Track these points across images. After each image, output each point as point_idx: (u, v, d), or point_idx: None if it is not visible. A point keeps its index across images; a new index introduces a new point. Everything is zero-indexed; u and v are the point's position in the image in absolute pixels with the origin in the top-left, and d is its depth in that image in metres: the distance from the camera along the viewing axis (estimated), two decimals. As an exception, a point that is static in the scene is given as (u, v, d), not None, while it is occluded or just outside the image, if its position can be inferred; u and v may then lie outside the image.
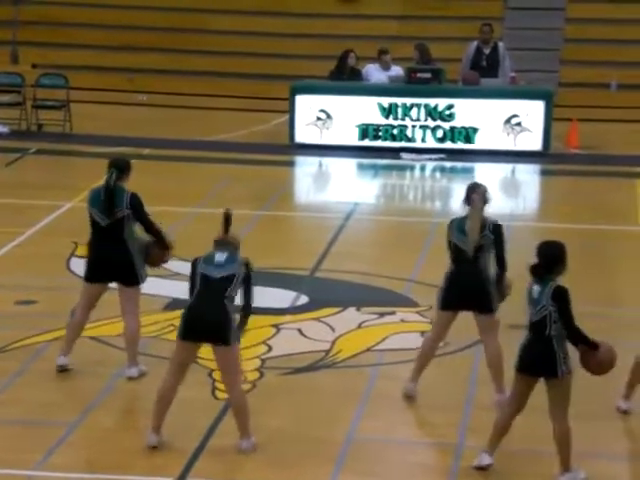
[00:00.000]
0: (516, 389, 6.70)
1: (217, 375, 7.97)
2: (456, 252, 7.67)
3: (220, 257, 6.88)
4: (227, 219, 6.94)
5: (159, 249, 8.09)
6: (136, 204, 7.95)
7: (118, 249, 7.93)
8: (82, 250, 10.38)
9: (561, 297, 6.55)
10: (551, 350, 6.55)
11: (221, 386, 7.84)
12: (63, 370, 8.02)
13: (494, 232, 7.63)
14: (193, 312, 6.91)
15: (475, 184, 7.77)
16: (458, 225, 7.68)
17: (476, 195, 7.61)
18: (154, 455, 6.95)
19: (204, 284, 6.88)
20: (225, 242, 6.92)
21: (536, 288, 6.60)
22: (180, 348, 6.95)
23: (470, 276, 7.60)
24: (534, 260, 6.63)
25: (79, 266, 10.24)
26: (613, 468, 7.04)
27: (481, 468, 6.77)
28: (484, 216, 7.66)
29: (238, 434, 7.05)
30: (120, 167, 7.99)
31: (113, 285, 8.11)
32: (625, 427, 7.53)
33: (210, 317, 6.84)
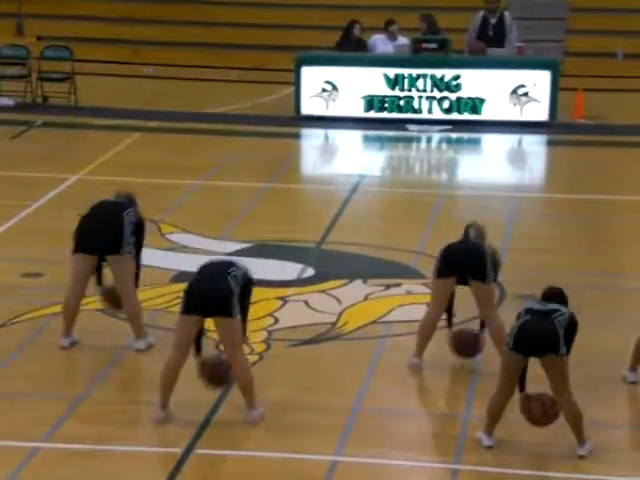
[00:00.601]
0: (509, 370, 6.68)
1: (223, 347, 8.00)
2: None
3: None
4: None
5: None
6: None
7: (111, 220, 7.90)
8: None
9: (575, 323, 6.63)
10: (554, 329, 6.58)
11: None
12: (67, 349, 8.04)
13: None
14: (195, 286, 6.93)
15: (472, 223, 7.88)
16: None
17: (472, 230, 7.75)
18: (162, 427, 6.99)
19: (207, 262, 6.89)
20: None
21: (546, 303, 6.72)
22: (183, 323, 6.97)
23: (465, 247, 7.71)
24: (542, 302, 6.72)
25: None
26: (617, 435, 7.06)
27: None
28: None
29: (245, 406, 7.08)
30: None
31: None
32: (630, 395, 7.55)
33: (212, 289, 6.85)
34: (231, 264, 7.00)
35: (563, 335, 6.57)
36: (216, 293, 6.86)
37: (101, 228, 7.93)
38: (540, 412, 6.61)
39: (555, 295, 6.79)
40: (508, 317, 7.64)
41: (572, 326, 6.66)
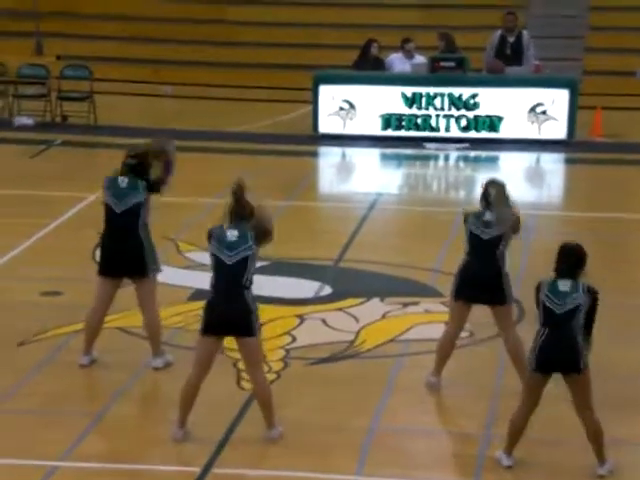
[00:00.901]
0: (531, 388, 6.65)
1: (242, 365, 8.00)
2: (473, 242, 7.62)
3: (231, 236, 6.75)
4: (237, 191, 6.74)
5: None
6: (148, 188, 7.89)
7: (130, 241, 7.85)
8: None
9: (595, 295, 6.56)
10: (575, 344, 6.53)
11: (246, 376, 7.86)
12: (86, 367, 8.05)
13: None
14: (214, 307, 6.87)
15: (492, 180, 7.70)
16: (475, 217, 7.61)
17: (493, 189, 7.55)
18: (180, 445, 6.98)
19: (219, 270, 6.78)
20: (236, 224, 6.73)
21: (564, 282, 6.54)
22: (203, 343, 6.96)
23: (484, 268, 7.57)
24: (557, 263, 6.58)
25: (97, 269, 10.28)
26: (638, 453, 7.01)
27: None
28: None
29: (264, 424, 7.07)
30: (141, 156, 8.01)
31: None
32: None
33: (231, 311, 6.82)
34: (242, 266, 6.77)
35: (584, 324, 6.48)
36: (235, 313, 6.84)
37: (123, 250, 7.87)
38: None
39: (570, 268, 6.54)
40: (527, 335, 7.61)
41: (592, 306, 6.55)
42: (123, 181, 7.90)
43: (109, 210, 7.93)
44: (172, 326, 8.63)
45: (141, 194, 7.85)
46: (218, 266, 6.81)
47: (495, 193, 7.52)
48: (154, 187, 7.92)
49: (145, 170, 7.93)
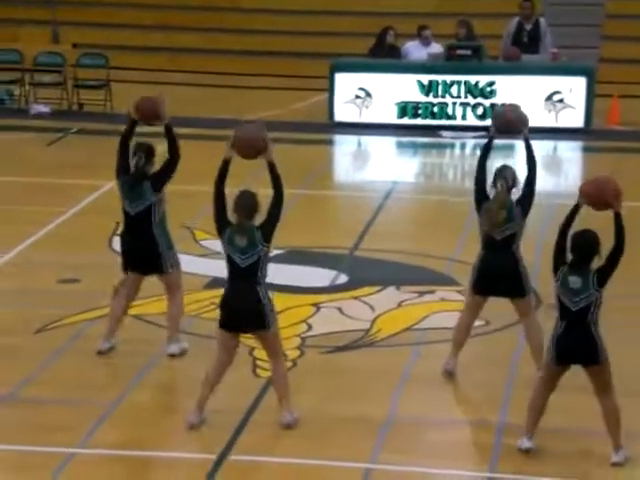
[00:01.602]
0: (549, 377, 6.66)
1: (258, 353, 8.02)
2: (487, 239, 7.62)
3: (240, 242, 6.82)
4: (241, 199, 6.83)
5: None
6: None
7: (145, 239, 7.90)
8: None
9: (605, 275, 6.52)
10: (592, 337, 6.53)
11: (262, 364, 7.88)
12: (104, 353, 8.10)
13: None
14: (230, 304, 6.88)
15: (503, 167, 7.70)
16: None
17: (502, 180, 7.53)
18: (196, 433, 7.01)
19: (233, 269, 6.85)
20: (241, 226, 6.83)
21: (574, 279, 6.52)
22: (222, 336, 6.99)
23: (500, 262, 7.53)
24: (571, 254, 6.55)
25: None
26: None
27: (522, 451, 6.76)
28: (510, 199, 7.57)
29: (279, 411, 7.09)
30: (148, 151, 8.02)
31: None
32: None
33: (246, 309, 6.83)
34: (255, 267, 6.80)
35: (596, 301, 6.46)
36: (249, 315, 6.86)
37: (139, 248, 7.94)
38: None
39: (582, 261, 6.50)
40: (544, 326, 7.60)
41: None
42: (134, 182, 7.89)
43: (124, 209, 8.01)
44: (188, 314, 8.65)
45: (150, 195, 7.87)
46: (232, 266, 6.88)
47: (502, 185, 7.52)
48: (156, 187, 7.90)
49: (150, 167, 7.94)
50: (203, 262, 9.95)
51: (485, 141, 7.87)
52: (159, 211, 7.94)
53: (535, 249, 9.56)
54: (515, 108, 7.77)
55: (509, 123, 7.70)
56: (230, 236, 6.87)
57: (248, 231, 6.85)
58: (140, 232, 7.93)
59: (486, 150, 7.76)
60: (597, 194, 6.54)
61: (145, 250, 7.93)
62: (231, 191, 7.02)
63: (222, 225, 6.92)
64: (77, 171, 13.09)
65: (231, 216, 6.94)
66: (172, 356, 8.04)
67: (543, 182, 13.67)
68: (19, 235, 10.64)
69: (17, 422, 7.11)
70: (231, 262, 6.88)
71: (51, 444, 6.82)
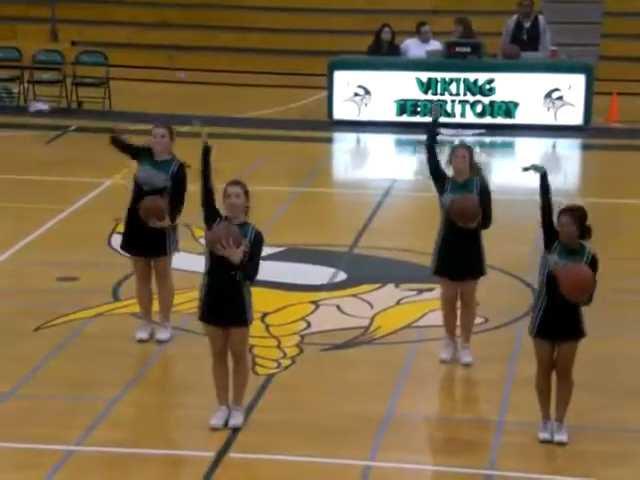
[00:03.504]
0: (543, 355, 6.74)
1: (257, 351, 8.03)
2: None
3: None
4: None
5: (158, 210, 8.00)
6: (181, 177, 8.01)
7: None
8: (123, 227, 10.48)
9: (597, 266, 6.60)
10: (577, 314, 6.64)
11: (262, 362, 7.89)
12: (142, 341, 8.15)
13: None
14: (210, 300, 6.86)
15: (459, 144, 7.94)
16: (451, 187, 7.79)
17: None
18: (195, 430, 7.01)
19: (213, 263, 6.82)
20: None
21: (564, 260, 6.58)
22: (206, 328, 6.97)
23: (462, 241, 7.69)
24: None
25: (120, 243, 10.32)
26: None
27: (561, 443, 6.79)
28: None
29: (276, 408, 7.08)
30: (171, 131, 8.13)
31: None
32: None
33: (228, 307, 6.81)
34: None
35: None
36: (230, 312, 6.83)
37: (146, 233, 8.04)
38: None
39: (575, 245, 6.60)
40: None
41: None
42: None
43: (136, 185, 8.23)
44: (186, 312, 8.65)
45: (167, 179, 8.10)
46: (213, 260, 6.86)
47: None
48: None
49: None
50: (201, 260, 9.92)
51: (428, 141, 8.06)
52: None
53: (534, 244, 9.56)
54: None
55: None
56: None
57: (242, 227, 6.81)
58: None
59: (431, 136, 8.04)
60: (573, 290, 6.56)
61: (152, 237, 8.00)
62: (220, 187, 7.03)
63: (211, 213, 6.88)
64: (76, 169, 13.08)
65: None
66: (160, 342, 8.06)
67: (542, 180, 13.72)
68: (18, 233, 10.64)
69: (16, 420, 7.11)
70: (212, 255, 6.83)
71: (50, 442, 6.82)
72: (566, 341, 6.66)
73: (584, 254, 6.62)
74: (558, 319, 6.64)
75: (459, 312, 7.89)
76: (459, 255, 7.70)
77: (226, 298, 6.83)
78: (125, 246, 8.26)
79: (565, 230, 6.60)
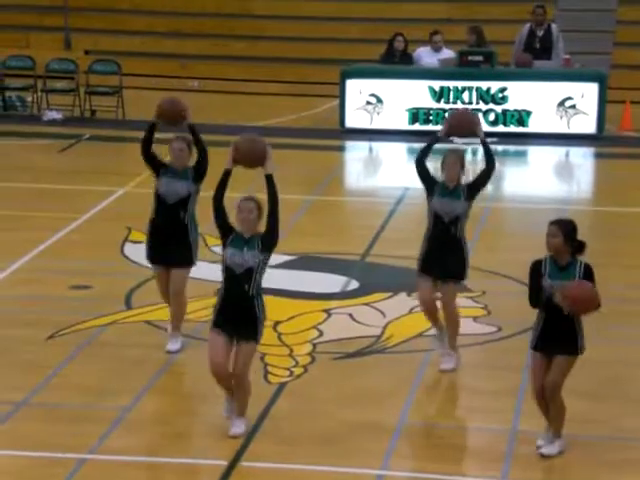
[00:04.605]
0: (539, 368, 6.72)
1: (269, 359, 8.03)
2: (435, 217, 7.86)
3: (240, 248, 6.80)
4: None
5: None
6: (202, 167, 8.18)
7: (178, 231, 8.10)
8: (136, 235, 10.50)
9: (591, 273, 6.60)
10: (574, 328, 6.62)
11: (274, 370, 7.90)
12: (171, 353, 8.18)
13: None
14: (225, 312, 6.85)
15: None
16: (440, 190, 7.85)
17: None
18: (207, 438, 7.01)
19: (230, 277, 6.84)
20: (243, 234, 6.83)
21: (557, 280, 6.57)
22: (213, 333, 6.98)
23: (446, 243, 7.77)
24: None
25: (133, 251, 10.36)
26: None
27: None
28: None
29: (288, 417, 7.08)
30: (189, 142, 8.20)
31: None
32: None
33: (241, 319, 6.81)
34: (249, 275, 6.80)
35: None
36: (244, 321, 6.83)
37: (170, 242, 8.11)
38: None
39: (565, 261, 6.59)
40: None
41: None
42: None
43: (158, 196, 8.32)
44: (198, 320, 8.66)
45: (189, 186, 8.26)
46: (227, 271, 6.88)
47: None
48: (195, 178, 8.29)
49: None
50: (215, 268, 9.94)
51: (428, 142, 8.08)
52: (192, 204, 8.14)
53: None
54: (460, 114, 7.98)
55: (451, 130, 8.00)
56: (232, 241, 6.86)
57: (250, 238, 6.83)
58: (173, 227, 8.09)
59: (427, 149, 8.02)
60: (582, 311, 6.55)
61: (177, 245, 8.08)
62: (232, 196, 7.04)
63: (225, 231, 6.91)
64: (89, 178, 13.12)
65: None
66: (169, 353, 8.08)
67: (555, 188, 13.73)
68: (31, 241, 10.67)
69: (30, 428, 7.12)
70: (227, 268, 6.86)
71: (63, 450, 6.83)
72: (560, 355, 6.62)
73: (575, 267, 6.58)
74: (556, 334, 6.60)
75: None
76: (443, 256, 7.77)
77: (242, 317, 6.83)
78: (150, 258, 8.26)
79: (551, 241, 6.59)
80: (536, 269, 6.64)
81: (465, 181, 7.93)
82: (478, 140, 7.89)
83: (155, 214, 8.20)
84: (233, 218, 6.93)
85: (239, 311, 6.83)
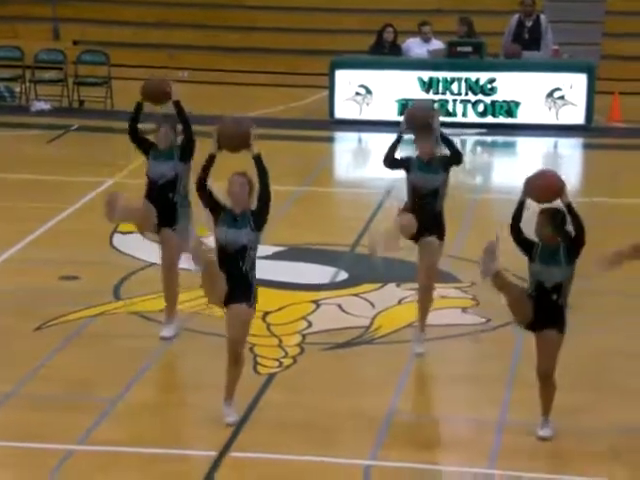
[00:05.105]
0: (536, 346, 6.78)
1: (258, 350, 8.04)
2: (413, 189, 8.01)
3: (231, 225, 6.82)
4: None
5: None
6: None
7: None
8: (125, 226, 10.48)
9: (577, 245, 6.69)
10: (561, 307, 6.72)
11: (263, 361, 7.91)
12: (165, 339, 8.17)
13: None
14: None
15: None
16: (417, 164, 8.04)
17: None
18: (196, 429, 7.02)
19: (223, 255, 6.85)
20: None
21: (549, 254, 6.67)
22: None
23: (424, 215, 7.91)
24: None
25: (122, 242, 10.35)
26: None
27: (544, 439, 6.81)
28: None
29: (278, 408, 7.09)
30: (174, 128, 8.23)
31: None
32: None
33: (234, 287, 6.84)
34: (242, 253, 6.83)
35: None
36: (237, 287, 6.86)
37: (160, 222, 8.18)
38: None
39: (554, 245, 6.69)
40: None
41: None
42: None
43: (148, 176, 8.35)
44: (190, 311, 8.65)
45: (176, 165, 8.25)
46: (220, 250, 6.90)
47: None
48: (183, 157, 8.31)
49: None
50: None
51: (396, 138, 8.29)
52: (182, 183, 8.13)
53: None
54: (413, 109, 8.17)
55: (408, 125, 8.25)
56: (224, 219, 6.87)
57: (241, 215, 6.84)
58: (160, 196, 8.10)
59: (392, 150, 8.34)
60: (543, 191, 6.64)
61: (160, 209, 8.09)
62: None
63: (216, 212, 6.94)
64: (78, 168, 13.09)
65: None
66: (164, 339, 8.08)
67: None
68: (20, 232, 10.65)
69: (17, 419, 7.12)
70: (220, 246, 6.87)
71: (51, 441, 6.83)
72: (546, 330, 6.70)
73: (562, 245, 6.70)
74: (542, 312, 6.71)
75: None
76: (420, 218, 7.90)
77: (232, 283, 6.85)
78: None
79: (540, 230, 6.74)
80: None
81: (439, 153, 8.05)
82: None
83: (146, 194, 8.21)
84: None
85: (232, 282, 6.83)
